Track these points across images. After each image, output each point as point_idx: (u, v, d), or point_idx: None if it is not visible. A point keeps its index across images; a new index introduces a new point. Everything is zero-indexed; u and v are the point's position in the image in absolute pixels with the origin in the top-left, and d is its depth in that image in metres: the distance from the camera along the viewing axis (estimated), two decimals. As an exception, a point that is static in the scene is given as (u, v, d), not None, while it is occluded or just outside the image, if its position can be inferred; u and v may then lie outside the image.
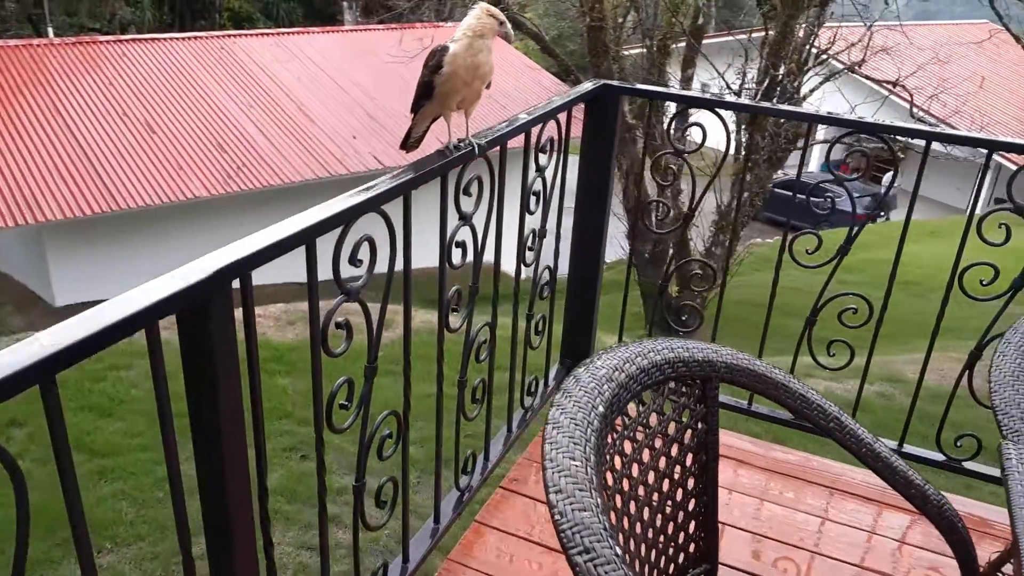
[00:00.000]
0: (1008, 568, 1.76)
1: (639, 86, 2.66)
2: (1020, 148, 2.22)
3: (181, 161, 12.21)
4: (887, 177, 19.85)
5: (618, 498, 1.24)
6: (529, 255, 2.26)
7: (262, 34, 16.40)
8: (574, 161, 2.49)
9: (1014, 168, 2.27)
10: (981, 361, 2.46)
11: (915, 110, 10.11)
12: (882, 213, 16.78)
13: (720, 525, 2.48)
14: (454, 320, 1.94)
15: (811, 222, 2.57)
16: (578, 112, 2.30)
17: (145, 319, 1.03)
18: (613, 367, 1.29)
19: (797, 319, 2.77)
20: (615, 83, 2.42)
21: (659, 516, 1.36)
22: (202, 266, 1.12)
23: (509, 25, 1.64)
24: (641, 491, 1.32)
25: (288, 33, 16.41)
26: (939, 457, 2.62)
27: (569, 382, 1.25)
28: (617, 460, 1.27)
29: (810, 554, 2.44)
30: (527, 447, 2.66)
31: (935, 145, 2.28)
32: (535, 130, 2.08)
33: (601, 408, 1.21)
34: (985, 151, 2.35)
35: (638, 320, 9.51)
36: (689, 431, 1.44)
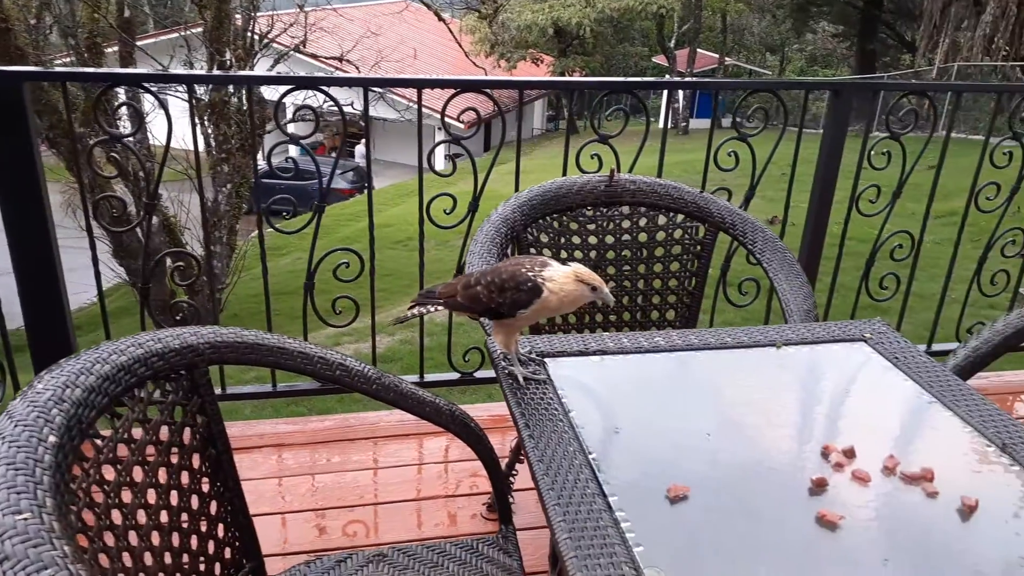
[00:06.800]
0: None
1: (47, 70, 2.27)
2: (443, 84, 2.43)
3: None
4: (359, 149, 21.13)
5: (109, 536, 1.01)
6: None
7: None
8: None
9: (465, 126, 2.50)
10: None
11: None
12: (363, 184, 17.96)
13: (276, 516, 2.37)
14: None
15: (307, 205, 2.54)
16: None
17: None
18: (62, 385, 1.04)
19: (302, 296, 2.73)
20: (15, 68, 2.01)
21: (175, 535, 1.16)
22: None
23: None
24: (143, 516, 1.10)
25: None
26: (454, 376, 2.86)
27: (2, 420, 0.97)
28: (98, 493, 1.04)
29: (373, 508, 2.45)
30: None
31: (391, 113, 2.41)
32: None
33: (53, 438, 0.96)
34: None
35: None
36: (188, 429, 1.26)
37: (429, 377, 2.89)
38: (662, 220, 2.08)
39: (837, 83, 2.77)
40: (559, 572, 1.03)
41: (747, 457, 1.24)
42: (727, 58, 29.58)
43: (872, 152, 2.75)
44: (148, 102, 2.24)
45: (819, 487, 1.16)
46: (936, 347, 3.29)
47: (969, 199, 2.96)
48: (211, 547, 1.26)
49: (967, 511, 1.13)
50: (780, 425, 1.33)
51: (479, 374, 2.86)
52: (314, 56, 10.14)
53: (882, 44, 27.35)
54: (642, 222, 2.08)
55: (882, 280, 3.01)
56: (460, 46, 13.77)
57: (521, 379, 1.39)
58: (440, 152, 2.50)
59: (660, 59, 29.50)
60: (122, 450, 1.12)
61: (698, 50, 27.63)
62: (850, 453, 1.22)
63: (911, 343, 1.60)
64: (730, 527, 1.09)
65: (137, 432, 1.16)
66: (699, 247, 2.09)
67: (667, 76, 29.72)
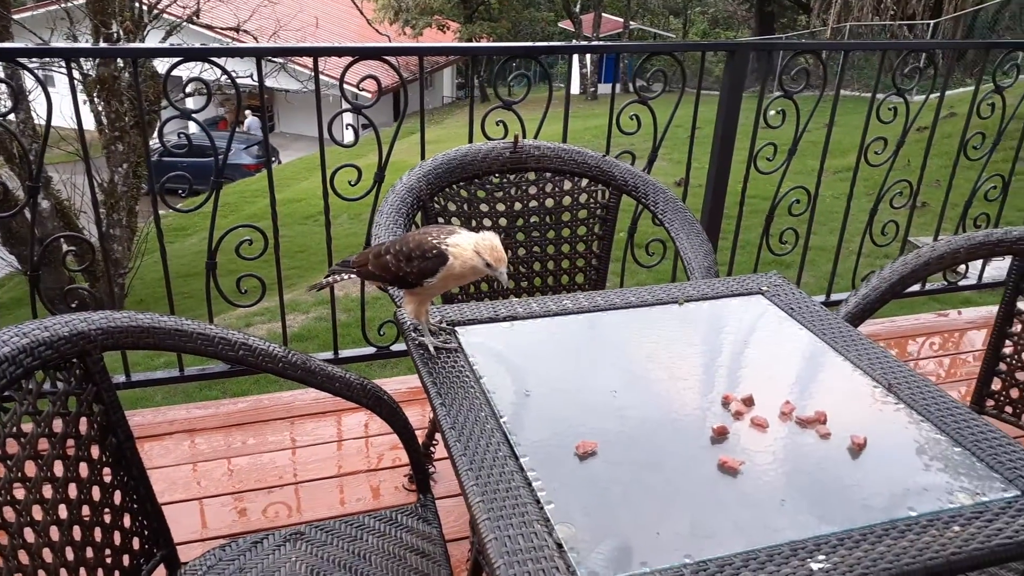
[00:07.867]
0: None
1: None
2: (340, 52, 2.37)
3: None
4: (248, 121, 20.35)
5: (2, 535, 0.97)
6: None
7: None
8: None
9: (371, 95, 2.44)
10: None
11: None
12: (275, 159, 17.39)
13: (193, 502, 2.31)
14: None
15: (209, 183, 2.46)
16: None
17: None
18: (-62, 382, 0.99)
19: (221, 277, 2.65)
20: None
21: (77, 528, 1.12)
22: None
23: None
24: (39, 513, 1.06)
25: None
26: (371, 350, 2.83)
27: None
28: (-13, 490, 0.99)
29: (293, 487, 2.43)
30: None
31: (293, 84, 2.34)
32: None
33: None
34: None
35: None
36: (84, 419, 1.21)
37: (344, 353, 2.86)
38: (567, 185, 2.10)
39: (732, 44, 2.84)
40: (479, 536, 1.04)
41: (651, 411, 1.28)
42: (632, 22, 29.83)
43: (769, 111, 2.84)
44: (30, 79, 2.10)
45: (720, 435, 1.20)
46: (835, 296, 3.45)
47: (859, 154, 3.09)
48: (117, 538, 1.22)
49: (857, 449, 1.19)
50: (682, 378, 1.37)
51: (395, 347, 2.84)
52: (209, 27, 9.73)
53: (779, 5, 28.10)
54: (548, 188, 2.09)
55: (782, 235, 3.13)
56: (361, 13, 13.43)
57: (432, 349, 1.39)
58: (344, 122, 2.45)
59: (566, 24, 29.53)
60: (12, 445, 1.07)
61: (603, 14, 27.78)
62: (749, 401, 1.27)
63: (805, 294, 1.67)
64: (637, 479, 1.12)
65: (28, 426, 1.10)
66: (604, 211, 2.12)
67: (573, 41, 29.82)
